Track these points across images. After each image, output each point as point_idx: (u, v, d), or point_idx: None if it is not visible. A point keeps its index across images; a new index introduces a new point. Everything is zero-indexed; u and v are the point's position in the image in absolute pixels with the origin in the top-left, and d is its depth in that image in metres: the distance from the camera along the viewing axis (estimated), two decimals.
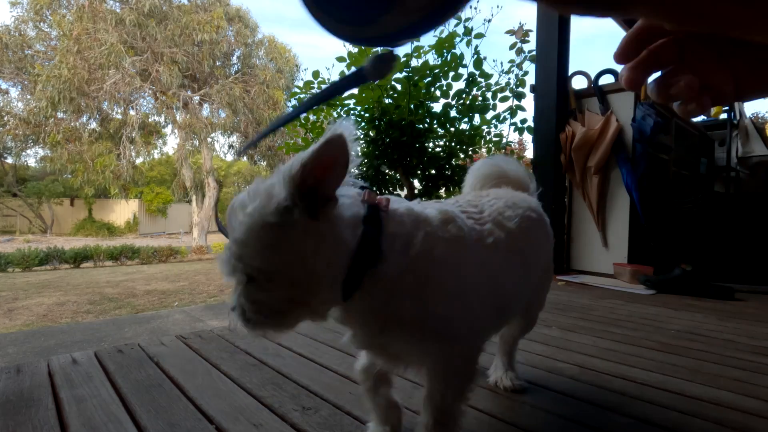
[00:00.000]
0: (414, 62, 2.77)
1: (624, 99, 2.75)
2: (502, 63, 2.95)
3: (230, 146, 18.25)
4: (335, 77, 2.89)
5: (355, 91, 2.87)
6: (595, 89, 2.82)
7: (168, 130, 16.62)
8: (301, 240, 0.52)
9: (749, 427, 0.84)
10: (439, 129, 3.03)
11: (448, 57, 2.78)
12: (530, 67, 2.94)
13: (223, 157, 21.41)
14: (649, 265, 2.58)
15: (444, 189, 3.00)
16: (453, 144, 3.03)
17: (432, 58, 2.80)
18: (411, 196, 2.93)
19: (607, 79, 2.86)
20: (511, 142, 3.17)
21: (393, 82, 2.81)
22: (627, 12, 0.28)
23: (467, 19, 2.73)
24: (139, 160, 15.86)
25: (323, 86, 2.94)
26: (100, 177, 14.28)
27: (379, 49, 0.37)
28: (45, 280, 8.20)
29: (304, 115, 3.06)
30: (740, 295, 2.22)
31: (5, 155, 17.85)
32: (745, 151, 4.44)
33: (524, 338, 1.03)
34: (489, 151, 3.31)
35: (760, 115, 11.42)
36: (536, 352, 1.24)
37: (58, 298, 6.39)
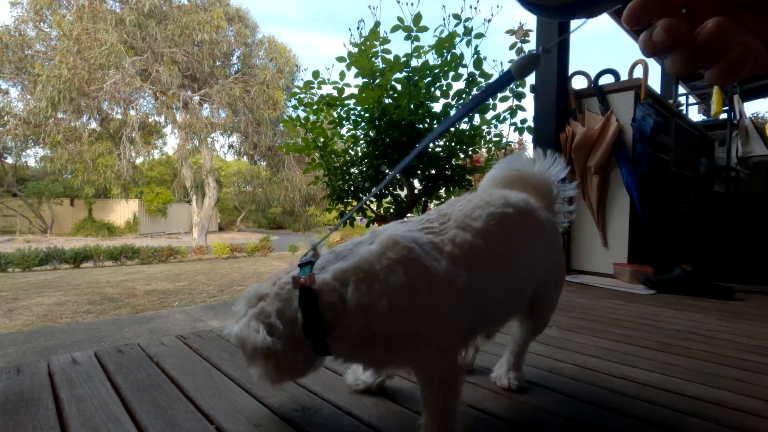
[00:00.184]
0: (414, 62, 2.77)
1: (624, 99, 2.75)
2: (502, 63, 2.94)
3: (230, 146, 18.28)
4: (335, 77, 2.88)
5: (354, 91, 2.87)
6: (595, 89, 2.83)
7: (168, 130, 16.64)
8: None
9: (749, 427, 0.84)
10: None
11: (448, 57, 2.78)
12: None
13: (223, 157, 21.43)
14: (649, 265, 2.58)
15: (444, 189, 3.00)
16: (453, 144, 3.03)
17: (432, 58, 2.80)
18: (411, 196, 2.93)
19: (607, 79, 2.86)
20: (511, 142, 3.16)
21: (393, 82, 2.80)
22: None
23: (467, 19, 2.73)
24: (139, 160, 15.87)
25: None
26: (101, 177, 14.29)
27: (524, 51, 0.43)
28: (45, 280, 8.21)
29: (304, 115, 3.06)
30: (740, 295, 2.22)
31: (5, 155, 17.85)
32: (745, 151, 4.44)
33: None
34: (489, 151, 3.30)
35: (760, 115, 11.42)
36: (536, 352, 1.24)
37: (58, 298, 6.40)
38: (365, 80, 2.77)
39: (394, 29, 2.70)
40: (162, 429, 0.79)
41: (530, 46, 2.91)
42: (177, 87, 14.32)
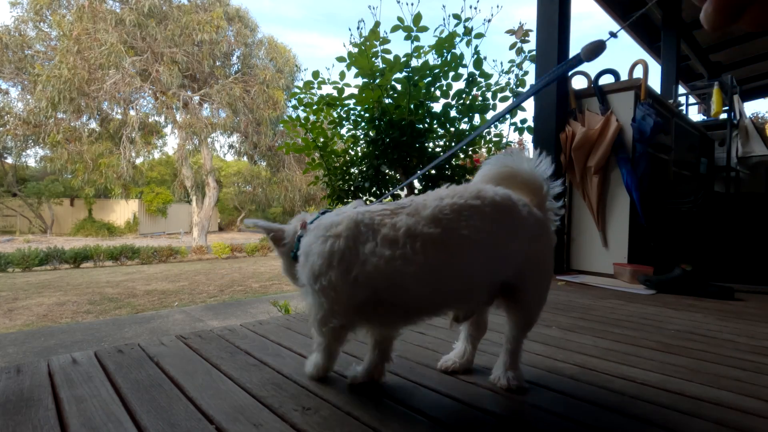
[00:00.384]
0: (414, 62, 2.77)
1: (624, 99, 2.76)
2: (502, 63, 2.94)
3: (230, 146, 18.28)
4: (335, 77, 2.88)
5: (354, 91, 2.87)
6: (595, 89, 2.83)
7: (168, 130, 16.64)
8: None
9: (749, 427, 0.84)
10: (439, 129, 3.03)
11: (448, 57, 2.78)
12: (530, 67, 2.94)
13: (223, 157, 21.43)
14: (649, 265, 2.58)
15: (446, 186, 3.00)
16: (453, 144, 3.03)
17: (432, 58, 2.80)
18: (410, 193, 2.92)
19: (607, 79, 2.86)
20: (511, 142, 3.16)
21: (393, 82, 2.81)
22: None
23: (467, 19, 2.73)
24: (139, 160, 15.86)
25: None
26: (102, 177, 14.29)
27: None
28: (45, 280, 8.21)
29: (304, 115, 3.06)
30: (740, 295, 2.22)
31: (5, 155, 17.86)
32: (745, 151, 4.44)
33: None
34: (489, 151, 3.31)
35: (760, 115, 11.43)
36: (536, 352, 1.24)
37: (58, 298, 6.40)
38: (365, 80, 2.77)
39: (394, 29, 2.70)
40: (162, 429, 0.79)
41: (530, 46, 2.92)
42: (177, 87, 14.31)
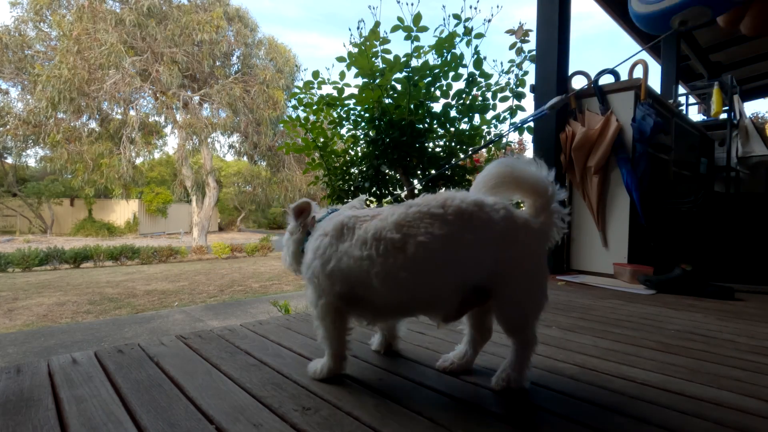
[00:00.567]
0: (414, 62, 2.77)
1: (624, 99, 2.75)
2: (502, 63, 2.93)
3: (230, 146, 18.27)
4: (335, 77, 2.88)
5: (354, 91, 2.86)
6: (596, 89, 2.82)
7: (168, 130, 16.63)
8: None
9: (749, 427, 0.84)
10: (439, 129, 3.02)
11: (448, 57, 2.78)
12: (530, 67, 2.94)
13: (223, 157, 21.42)
14: (649, 265, 2.58)
15: (444, 189, 3.00)
16: (453, 144, 3.03)
17: (432, 58, 2.80)
18: (411, 196, 2.93)
19: (607, 79, 2.86)
20: (511, 142, 3.17)
21: (393, 82, 2.80)
22: None
23: (467, 19, 2.73)
24: (139, 160, 15.86)
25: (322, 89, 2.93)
26: (102, 177, 14.29)
27: None
28: (45, 280, 8.21)
29: (304, 115, 3.06)
30: (740, 295, 2.22)
31: (5, 155, 17.86)
32: (745, 151, 4.44)
33: None
34: (489, 151, 3.31)
35: (760, 115, 11.43)
36: (536, 352, 1.24)
37: (58, 298, 6.40)
38: (365, 80, 2.77)
39: (394, 29, 2.70)
40: (162, 429, 0.79)
41: (530, 45, 2.92)
42: (177, 87, 14.31)
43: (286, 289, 7.35)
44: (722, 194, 4.35)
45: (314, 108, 3.00)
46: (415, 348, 1.27)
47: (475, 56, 2.78)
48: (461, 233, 0.89)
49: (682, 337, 1.44)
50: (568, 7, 2.97)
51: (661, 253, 2.93)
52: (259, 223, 27.24)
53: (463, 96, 2.90)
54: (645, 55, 5.62)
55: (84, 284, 7.76)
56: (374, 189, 2.96)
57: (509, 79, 2.92)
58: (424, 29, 2.70)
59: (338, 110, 3.04)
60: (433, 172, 2.90)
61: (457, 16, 2.73)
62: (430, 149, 3.01)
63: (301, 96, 3.03)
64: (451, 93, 2.89)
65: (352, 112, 3.01)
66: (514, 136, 6.78)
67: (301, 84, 3.02)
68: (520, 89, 2.90)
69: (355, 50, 2.71)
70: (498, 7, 2.77)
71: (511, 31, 2.87)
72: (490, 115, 2.97)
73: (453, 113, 2.95)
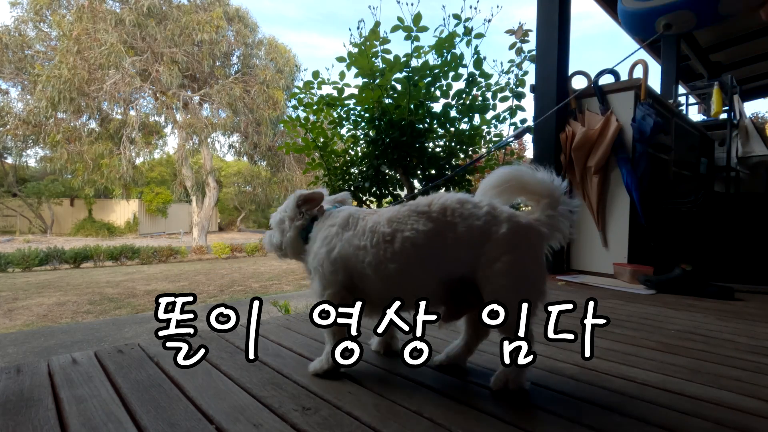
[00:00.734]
0: (414, 62, 2.77)
1: (624, 99, 2.75)
2: (502, 63, 2.94)
3: (230, 146, 18.27)
4: (335, 77, 2.89)
5: (354, 91, 2.87)
6: (596, 89, 2.82)
7: (168, 130, 16.63)
8: None
9: (749, 427, 0.83)
10: (439, 129, 3.03)
11: (448, 57, 2.78)
12: (530, 67, 2.94)
13: (223, 157, 21.42)
14: (649, 265, 2.57)
15: (444, 189, 3.00)
16: (453, 144, 3.03)
17: (432, 58, 2.80)
18: (411, 196, 2.93)
19: (607, 79, 2.86)
20: (511, 142, 3.16)
21: (393, 82, 2.81)
22: None
23: (467, 19, 2.73)
24: (139, 161, 15.86)
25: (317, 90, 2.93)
26: (102, 177, 14.29)
27: None
28: (45, 280, 8.21)
29: (304, 115, 3.06)
30: (740, 295, 2.22)
31: (5, 155, 17.86)
32: (745, 151, 4.44)
33: None
34: (489, 151, 3.30)
35: (760, 115, 11.43)
36: (536, 352, 1.24)
37: (58, 298, 6.40)
38: (365, 80, 2.77)
39: (394, 29, 2.70)
40: (162, 429, 0.79)
41: (530, 45, 2.92)
42: (177, 87, 14.31)
43: (286, 289, 7.35)
44: (722, 194, 4.35)
45: (314, 108, 3.00)
46: None
47: (475, 56, 2.79)
48: (443, 229, 0.96)
49: (682, 337, 1.44)
50: (568, 7, 2.97)
51: (661, 253, 2.93)
52: (259, 223, 27.22)
53: (463, 96, 2.90)
54: (645, 55, 5.63)
55: (84, 284, 7.76)
56: (374, 189, 2.96)
57: (509, 79, 2.93)
58: (424, 29, 2.70)
59: (338, 110, 3.04)
60: (432, 172, 2.90)
61: (457, 16, 2.73)
62: (430, 149, 3.01)
63: (301, 96, 3.03)
64: (451, 93, 2.89)
65: (352, 112, 3.01)
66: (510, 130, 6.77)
67: (301, 84, 3.02)
68: (520, 89, 2.90)
69: (355, 50, 2.71)
70: (498, 7, 2.77)
71: (511, 31, 2.88)
72: (490, 115, 2.97)
73: (453, 113, 2.95)
